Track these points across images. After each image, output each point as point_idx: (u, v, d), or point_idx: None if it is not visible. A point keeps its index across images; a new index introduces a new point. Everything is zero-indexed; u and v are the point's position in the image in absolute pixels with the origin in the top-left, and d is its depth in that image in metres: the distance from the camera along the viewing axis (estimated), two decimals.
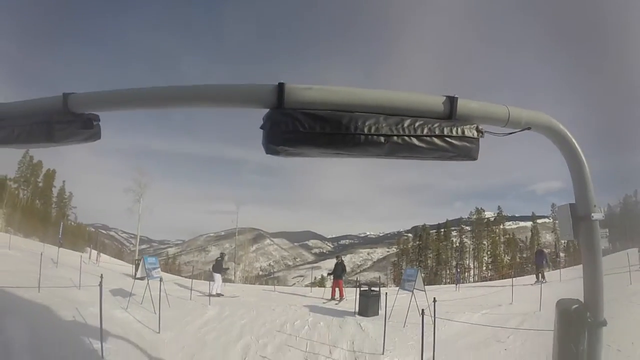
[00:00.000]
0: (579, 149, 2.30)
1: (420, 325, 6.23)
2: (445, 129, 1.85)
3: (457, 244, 53.94)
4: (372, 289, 11.30)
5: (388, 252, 68.48)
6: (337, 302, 12.74)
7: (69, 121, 2.25)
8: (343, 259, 14.44)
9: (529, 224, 53.37)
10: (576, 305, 2.14)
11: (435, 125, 1.85)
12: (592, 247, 2.25)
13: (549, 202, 53.67)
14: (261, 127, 1.82)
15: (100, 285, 6.84)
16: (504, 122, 2.09)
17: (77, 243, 34.47)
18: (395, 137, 1.80)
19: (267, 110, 1.83)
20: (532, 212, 53.49)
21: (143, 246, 55.35)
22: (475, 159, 1.93)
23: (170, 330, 8.38)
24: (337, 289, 13.29)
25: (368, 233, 77.41)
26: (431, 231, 55.73)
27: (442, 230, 55.14)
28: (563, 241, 49.54)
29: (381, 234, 75.73)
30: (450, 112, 1.92)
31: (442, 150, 1.86)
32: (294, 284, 52.62)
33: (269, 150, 1.80)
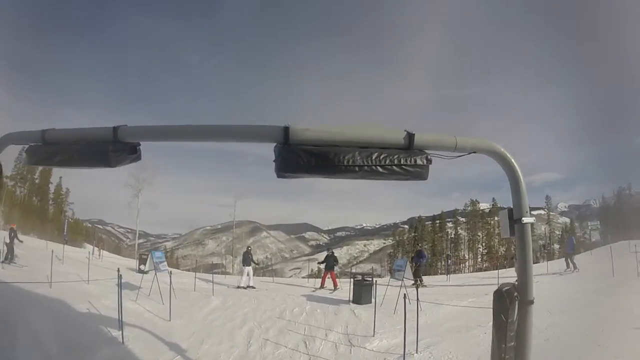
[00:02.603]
0: (517, 166, 2.97)
1: (410, 312, 6.97)
2: (402, 159, 2.57)
3: (453, 236, 54.77)
4: (366, 278, 12.06)
5: (384, 243, 69.02)
6: (331, 291, 13.56)
7: (120, 149, 2.91)
8: (334, 251, 15.45)
9: None
10: (507, 287, 2.83)
11: (395, 156, 2.57)
12: (524, 243, 2.93)
13: (544, 193, 53.93)
14: (274, 161, 2.56)
15: (119, 278, 7.53)
16: (452, 148, 2.77)
17: (76, 239, 34.85)
18: (365, 167, 2.53)
19: (275, 144, 2.56)
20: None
21: (140, 240, 55.65)
22: (425, 179, 2.66)
23: (180, 319, 9.10)
24: (328, 280, 14.21)
25: (364, 224, 77.87)
26: (427, 223, 56.49)
27: (438, 221, 55.91)
28: (557, 232, 51.09)
29: (377, 226, 76.22)
30: (409, 144, 2.62)
31: (399, 174, 2.59)
32: (291, 276, 53.39)
33: (280, 176, 2.55)
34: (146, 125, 2.99)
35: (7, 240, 13.52)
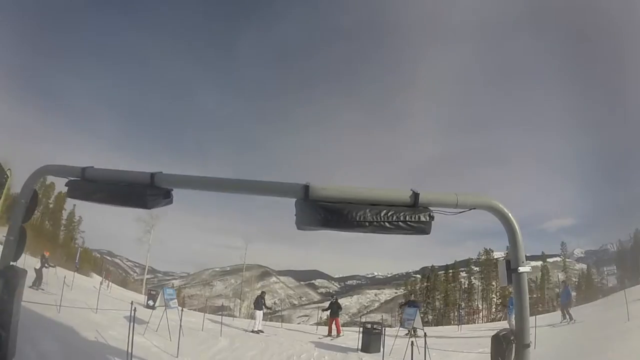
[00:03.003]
0: (513, 220, 3.26)
1: None
2: (407, 216, 2.93)
3: (466, 285, 53.28)
4: (375, 327, 11.93)
5: (396, 293, 66.91)
6: (332, 337, 13.49)
7: (156, 194, 3.35)
8: (344, 299, 15.58)
9: (539, 263, 52.62)
10: (504, 332, 3.04)
11: (401, 213, 2.94)
12: (520, 291, 3.17)
13: (560, 239, 52.29)
14: (295, 215, 3.00)
15: (133, 311, 7.70)
16: (454, 205, 3.12)
17: (83, 267, 34.71)
18: (375, 223, 2.90)
19: (296, 199, 2.97)
20: (542, 252, 52.98)
21: (148, 276, 55.13)
22: (427, 234, 3.01)
23: (187, 356, 9.12)
24: (333, 326, 14.19)
25: (376, 274, 75.97)
26: (439, 272, 55.19)
27: (451, 271, 54.61)
28: (574, 279, 49.48)
29: (389, 275, 74.26)
30: (414, 202, 2.98)
31: (404, 229, 2.95)
32: (299, 322, 52.06)
33: (300, 228, 3.02)
34: (180, 175, 3.46)
35: (38, 267, 14.19)
